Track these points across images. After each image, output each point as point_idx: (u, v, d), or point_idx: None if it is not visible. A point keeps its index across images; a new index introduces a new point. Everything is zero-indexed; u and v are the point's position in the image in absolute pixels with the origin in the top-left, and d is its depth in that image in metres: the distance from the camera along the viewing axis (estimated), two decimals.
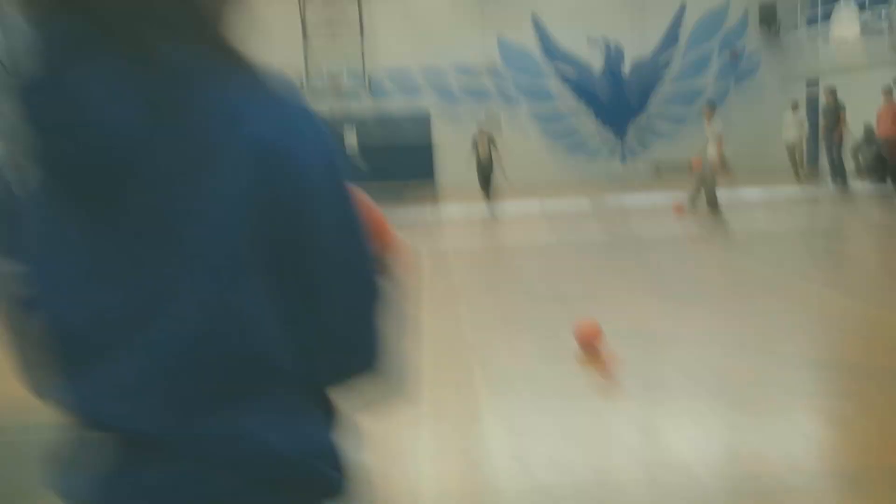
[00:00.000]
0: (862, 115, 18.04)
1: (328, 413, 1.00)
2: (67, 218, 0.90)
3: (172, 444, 0.90)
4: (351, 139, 23.84)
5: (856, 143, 17.49)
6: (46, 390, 0.96)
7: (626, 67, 24.18)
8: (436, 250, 9.96)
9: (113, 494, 0.92)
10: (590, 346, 5.03)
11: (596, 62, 24.12)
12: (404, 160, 23.37)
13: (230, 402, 0.91)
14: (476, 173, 17.99)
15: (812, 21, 22.40)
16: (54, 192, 0.89)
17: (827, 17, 20.71)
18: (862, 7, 17.91)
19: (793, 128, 19.60)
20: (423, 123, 23.77)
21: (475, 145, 18.33)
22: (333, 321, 0.95)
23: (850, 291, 6.44)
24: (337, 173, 0.93)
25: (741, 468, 3.23)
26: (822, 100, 16.50)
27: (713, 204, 12.09)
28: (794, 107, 19.87)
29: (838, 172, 15.85)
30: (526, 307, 6.51)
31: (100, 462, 0.93)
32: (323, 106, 23.66)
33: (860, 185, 15.31)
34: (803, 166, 19.70)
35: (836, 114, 15.96)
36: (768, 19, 23.68)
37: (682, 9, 23.96)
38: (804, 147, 19.90)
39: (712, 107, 13.14)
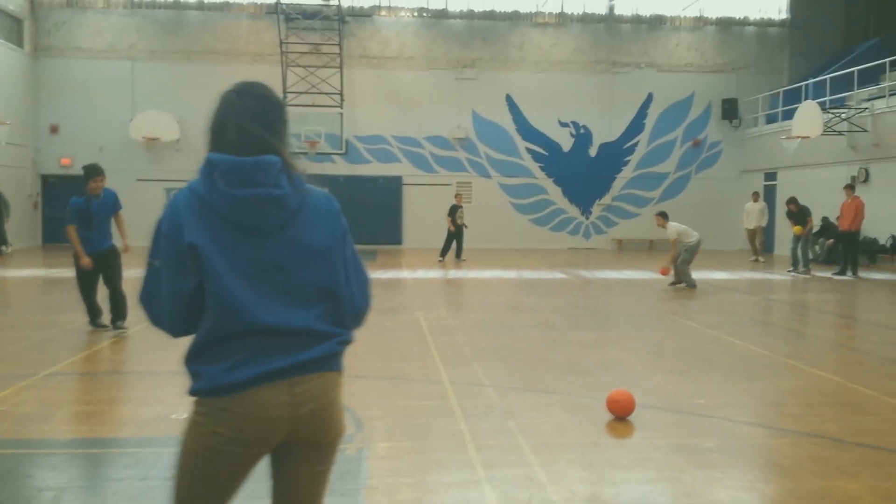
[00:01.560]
0: (818, 208, 19.02)
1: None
2: (249, 244, 2.02)
3: (303, 332, 2.04)
4: None
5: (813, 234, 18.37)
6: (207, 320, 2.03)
7: (594, 150, 25.06)
8: (429, 313, 10.08)
9: (264, 359, 2.00)
10: (625, 415, 5.18)
11: (565, 143, 24.95)
12: (374, 222, 23.65)
13: (326, 313, 2.09)
14: (448, 238, 19.00)
15: (772, 118, 23.69)
16: (243, 233, 2.01)
17: (787, 115, 21.95)
18: (823, 108, 19.03)
19: (753, 216, 20.48)
20: (394, 188, 24.12)
21: (452, 212, 18.95)
22: (356, 280, 2.20)
23: (828, 368, 6.78)
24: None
25: None
26: (787, 205, 17.33)
27: (690, 282, 13.33)
28: (755, 197, 20.79)
29: (803, 261, 16.58)
30: (545, 376, 6.65)
31: (280, 349, 2.02)
32: (296, 166, 23.84)
33: (817, 272, 16.01)
34: (762, 252, 20.53)
35: (804, 218, 16.78)
36: (730, 113, 24.94)
37: (649, 98, 25.08)
38: (762, 235, 20.78)
39: (664, 216, 13.68)
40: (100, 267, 8.37)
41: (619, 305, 11.61)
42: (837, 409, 5.71)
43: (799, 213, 16.81)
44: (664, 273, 13.55)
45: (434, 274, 16.26)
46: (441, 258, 18.95)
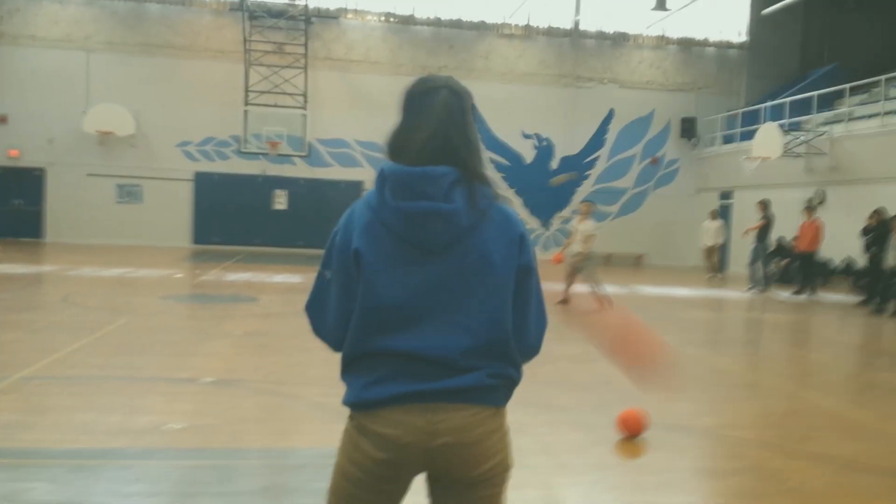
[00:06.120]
0: (774, 228, 19.41)
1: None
2: (412, 260, 1.88)
3: (442, 362, 1.86)
4: (282, 201, 23.57)
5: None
6: (367, 344, 1.90)
7: (556, 163, 25.21)
8: None
9: (426, 390, 1.86)
10: (637, 434, 5.12)
11: (528, 154, 25.05)
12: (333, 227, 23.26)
13: (480, 345, 1.89)
14: None
15: (729, 139, 24.18)
16: (408, 248, 1.87)
17: (744, 136, 22.43)
18: (782, 130, 19.48)
19: (711, 234, 20.81)
20: (355, 193, 23.82)
21: None
22: (534, 317, 1.99)
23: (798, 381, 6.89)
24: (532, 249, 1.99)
25: None
26: (758, 212, 17.61)
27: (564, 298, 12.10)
28: (713, 215, 21.15)
29: (763, 279, 16.83)
30: (546, 390, 6.56)
31: (417, 375, 1.86)
32: (256, 167, 23.41)
33: (776, 291, 16.34)
34: (717, 269, 20.87)
35: (769, 225, 17.12)
36: (688, 132, 25.39)
37: (610, 114, 25.36)
38: (718, 253, 21.10)
39: (591, 204, 13.00)
40: None
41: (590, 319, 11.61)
42: (838, 433, 5.74)
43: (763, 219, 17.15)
44: (558, 260, 12.13)
45: None
46: None
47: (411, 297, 1.87)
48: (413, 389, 1.86)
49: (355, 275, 1.90)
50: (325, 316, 1.99)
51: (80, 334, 8.04)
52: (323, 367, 6.98)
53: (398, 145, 1.95)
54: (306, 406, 5.62)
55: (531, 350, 2.01)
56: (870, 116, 18.37)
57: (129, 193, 22.89)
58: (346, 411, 1.97)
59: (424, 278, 1.87)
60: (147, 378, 6.32)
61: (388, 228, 1.88)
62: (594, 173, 25.47)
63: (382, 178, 1.91)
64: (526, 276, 1.95)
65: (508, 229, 1.93)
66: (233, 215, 23.01)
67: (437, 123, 1.93)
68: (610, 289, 12.74)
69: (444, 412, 1.87)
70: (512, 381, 1.97)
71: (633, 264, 24.95)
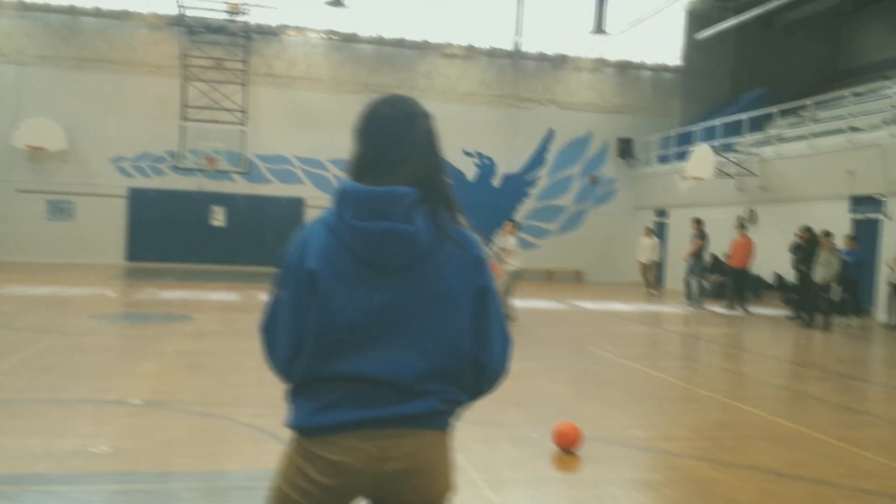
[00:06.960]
0: (708, 246, 19.91)
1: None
2: (370, 282, 1.83)
3: (401, 386, 1.82)
4: (220, 218, 23.17)
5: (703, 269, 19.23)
6: (321, 369, 1.84)
7: (497, 181, 25.43)
8: None
9: (384, 415, 1.82)
10: (572, 447, 5.14)
11: (469, 172, 25.21)
12: (274, 244, 23.02)
13: (437, 369, 1.85)
14: None
15: (664, 159, 24.75)
16: (366, 269, 1.82)
17: (678, 157, 22.98)
18: (714, 151, 20.02)
19: (647, 250, 21.22)
20: (296, 210, 23.59)
21: None
22: (496, 339, 1.94)
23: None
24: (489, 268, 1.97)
25: None
26: (692, 229, 18.18)
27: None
28: (649, 233, 21.57)
29: (697, 294, 17.29)
30: (484, 408, 6.56)
31: (370, 401, 1.82)
32: (193, 183, 22.97)
33: (710, 306, 16.73)
34: (654, 285, 21.27)
35: (704, 243, 17.71)
36: (625, 152, 25.90)
37: (550, 134, 25.72)
38: (654, 269, 21.53)
39: (516, 224, 13.44)
40: None
41: (532, 335, 11.69)
42: (769, 443, 5.88)
43: (698, 235, 17.81)
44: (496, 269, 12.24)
45: None
46: None
47: (367, 319, 1.83)
48: (367, 416, 1.82)
49: (310, 296, 1.84)
50: (277, 340, 1.92)
51: (3, 356, 7.73)
52: (256, 388, 6.86)
53: (366, 167, 1.90)
54: (238, 428, 5.48)
55: (499, 372, 1.98)
56: (798, 139, 18.99)
57: (60, 210, 22.22)
58: (284, 433, 1.90)
59: (381, 300, 1.83)
60: (73, 400, 6.10)
61: (346, 248, 1.83)
62: (535, 191, 25.75)
63: (342, 196, 1.86)
64: (485, 297, 1.92)
65: (467, 252, 1.90)
66: (169, 232, 22.54)
67: (424, 154, 1.92)
68: (551, 304, 12.86)
69: (396, 438, 1.84)
70: (461, 406, 1.94)
71: (574, 280, 25.26)
